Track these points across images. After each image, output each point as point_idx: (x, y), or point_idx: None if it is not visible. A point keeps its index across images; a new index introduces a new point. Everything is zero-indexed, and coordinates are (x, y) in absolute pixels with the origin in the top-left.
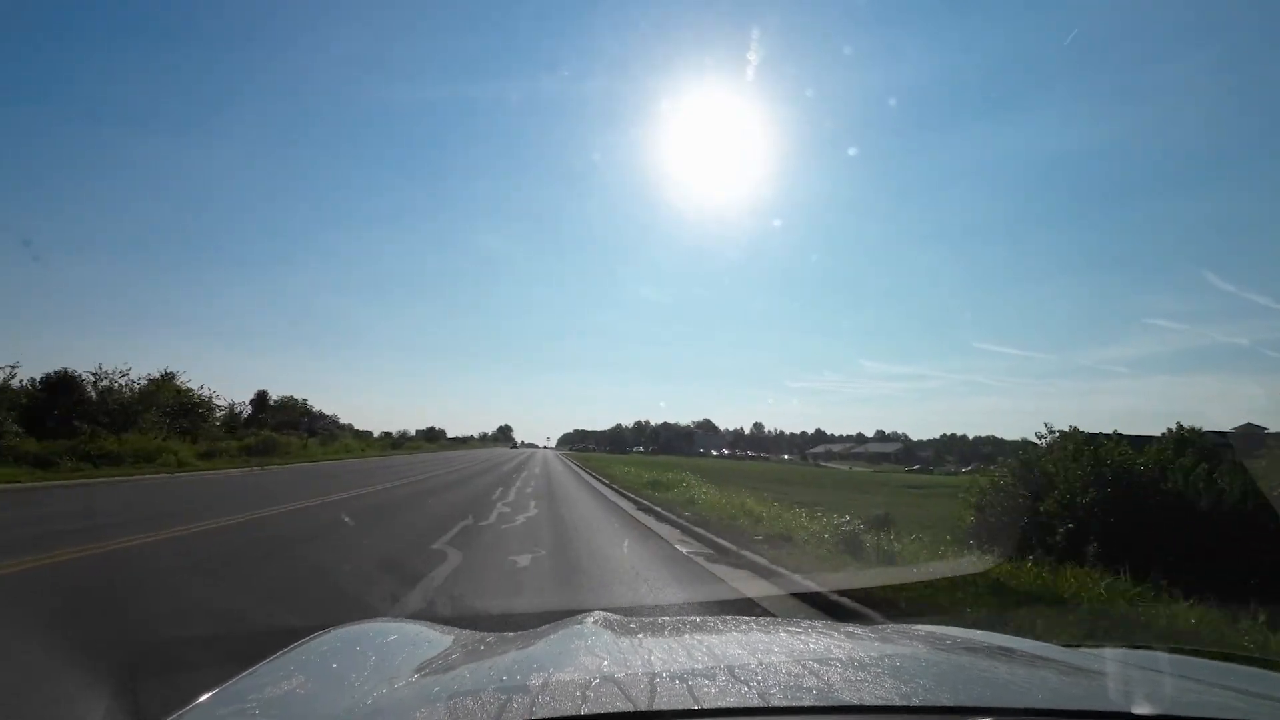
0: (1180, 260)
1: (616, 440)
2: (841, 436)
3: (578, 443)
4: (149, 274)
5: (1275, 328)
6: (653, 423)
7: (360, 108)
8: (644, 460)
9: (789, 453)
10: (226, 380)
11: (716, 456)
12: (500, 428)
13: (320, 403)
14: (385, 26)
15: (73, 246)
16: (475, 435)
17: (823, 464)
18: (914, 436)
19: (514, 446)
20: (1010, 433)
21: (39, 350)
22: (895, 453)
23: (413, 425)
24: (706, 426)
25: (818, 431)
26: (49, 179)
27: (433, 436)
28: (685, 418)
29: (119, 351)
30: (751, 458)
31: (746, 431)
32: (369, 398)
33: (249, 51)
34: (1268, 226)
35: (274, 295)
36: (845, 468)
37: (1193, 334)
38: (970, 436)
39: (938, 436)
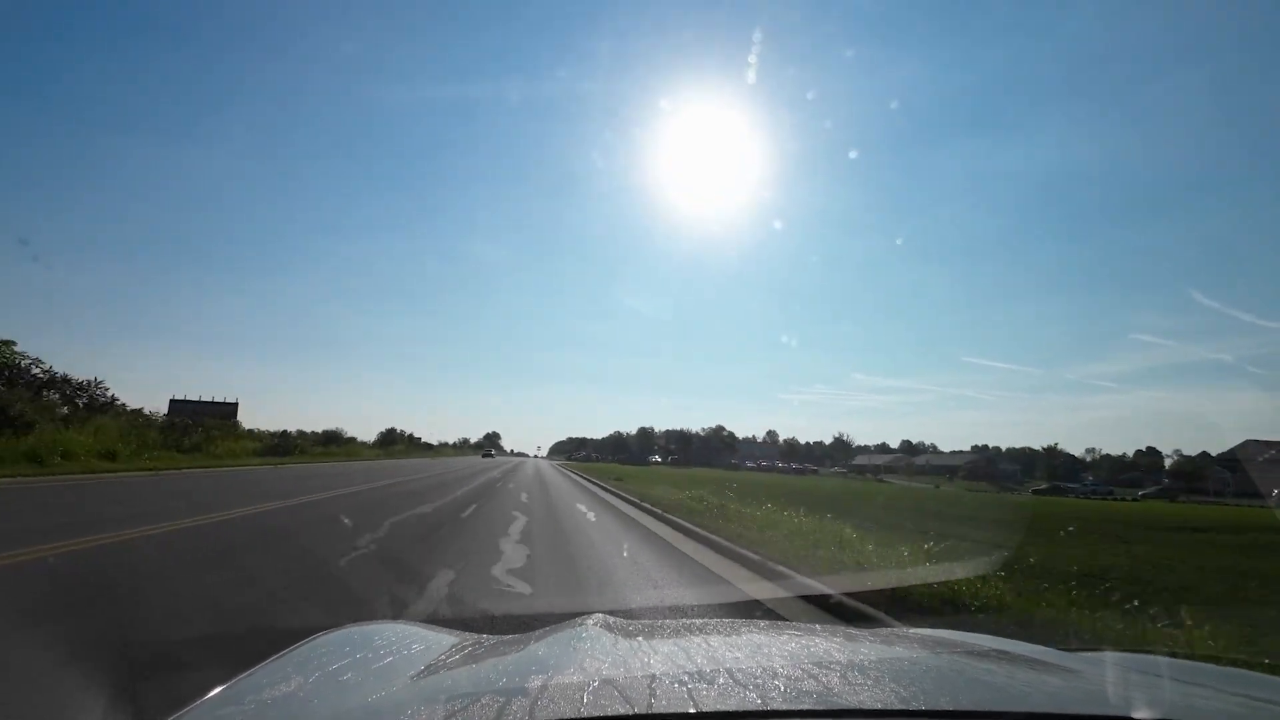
0: (1166, 278)
1: (620, 448)
2: (868, 448)
3: (575, 451)
4: (140, 279)
5: (1258, 344)
6: (657, 429)
7: (352, 113)
8: (715, 476)
9: (827, 465)
10: (216, 384)
11: (753, 469)
12: (487, 435)
13: (317, 408)
14: (379, 31)
15: (63, 250)
16: (452, 442)
17: (884, 479)
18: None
19: (487, 455)
20: (1005, 443)
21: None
22: (970, 466)
23: (410, 431)
24: (719, 433)
25: (836, 440)
26: (40, 182)
27: (388, 440)
28: (677, 425)
29: (110, 353)
30: (795, 470)
31: (759, 439)
32: (359, 404)
33: (242, 55)
34: (1249, 245)
35: (265, 300)
36: (930, 486)
37: (1178, 350)
38: (1004, 448)
39: (967, 448)
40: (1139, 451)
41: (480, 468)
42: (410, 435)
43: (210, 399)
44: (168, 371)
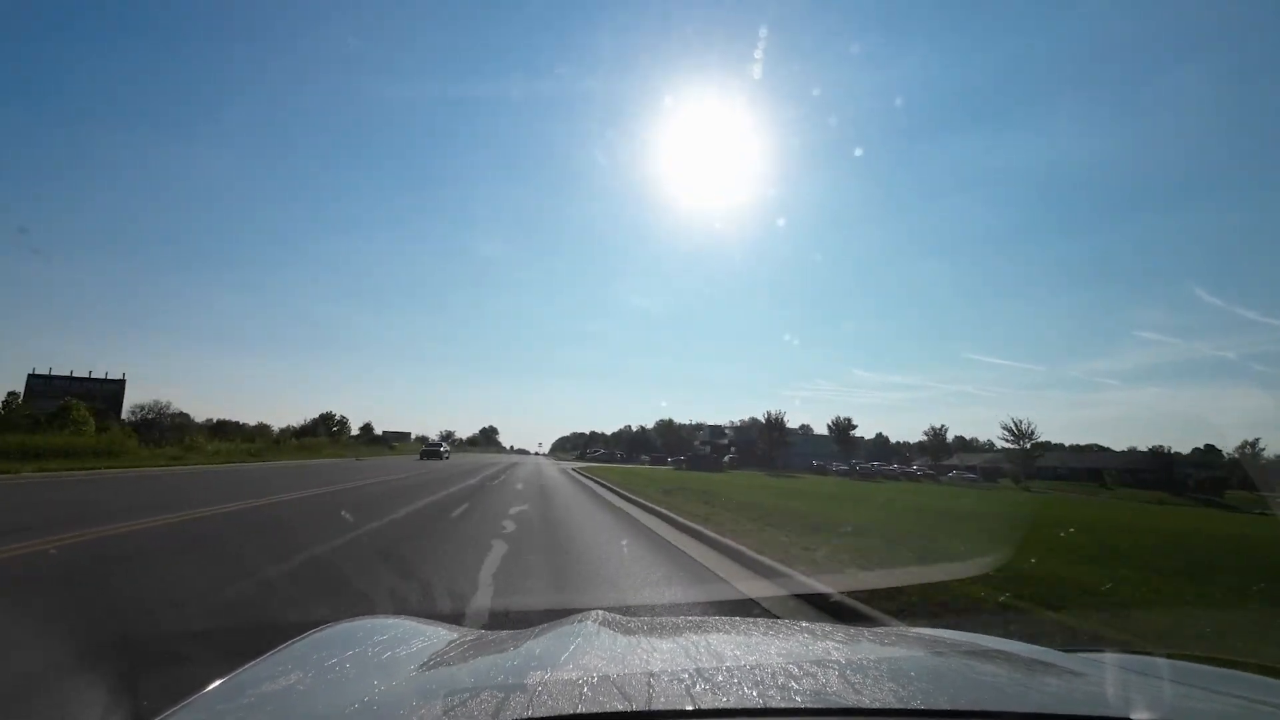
0: (1170, 274)
1: (640, 444)
2: (987, 444)
3: (586, 448)
4: (133, 276)
5: (1262, 342)
6: (676, 422)
7: (351, 109)
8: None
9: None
10: (206, 383)
11: (843, 472)
12: (483, 430)
13: (311, 401)
14: (381, 29)
15: (54, 246)
16: (434, 437)
17: (1029, 488)
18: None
19: (433, 454)
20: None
21: (24, 352)
22: (1130, 468)
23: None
24: (752, 429)
25: (878, 436)
26: (32, 179)
27: (307, 431)
28: (692, 419)
29: (100, 352)
30: (905, 475)
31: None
32: (352, 399)
33: (238, 51)
34: (1254, 242)
35: (260, 297)
36: (1161, 503)
37: (1183, 347)
38: (1077, 444)
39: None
40: (1197, 450)
41: (390, 487)
42: (364, 426)
43: (89, 373)
44: (171, 368)
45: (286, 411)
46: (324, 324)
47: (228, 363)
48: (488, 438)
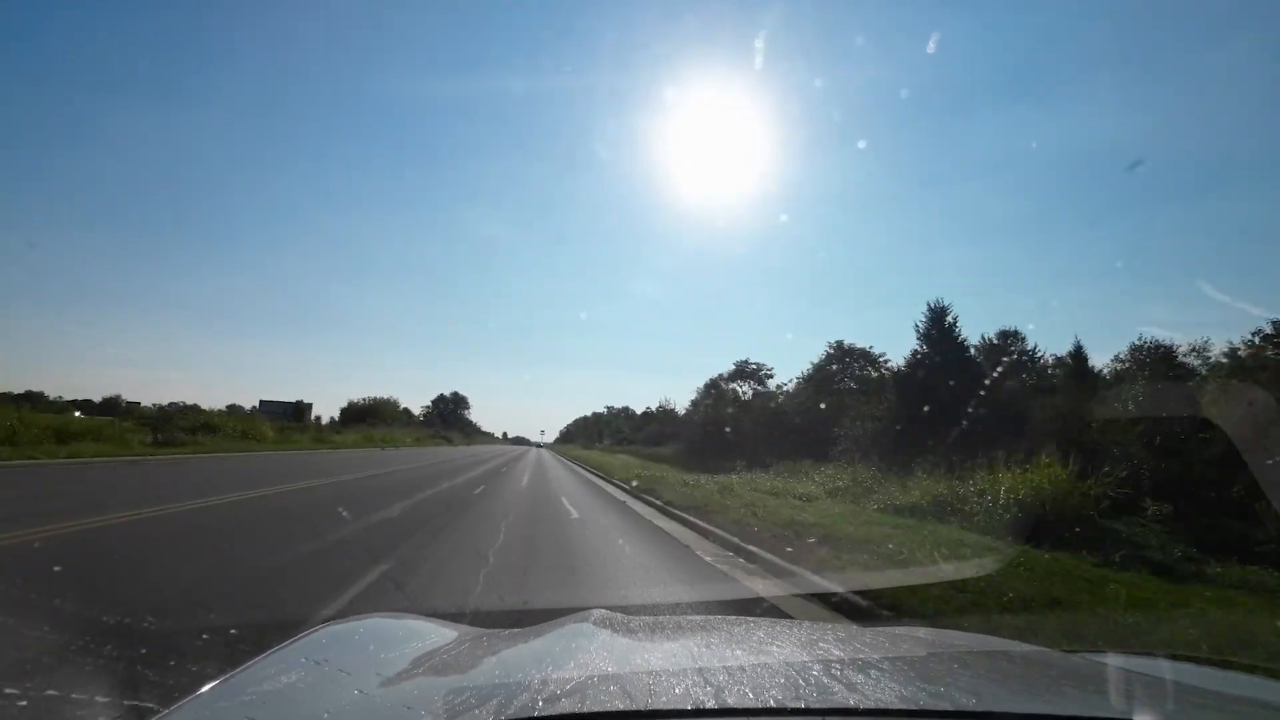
0: (1175, 269)
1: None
2: None
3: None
4: (119, 251)
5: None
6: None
7: (354, 91)
8: None
9: None
10: (203, 373)
11: None
12: (439, 399)
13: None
14: (380, 22)
15: (39, 221)
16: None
17: None
18: None
19: None
20: None
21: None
22: None
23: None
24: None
25: None
26: (14, 148)
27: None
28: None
29: (90, 337)
30: None
31: None
32: (353, 386)
33: (233, 18)
34: (1260, 236)
35: (267, 277)
36: None
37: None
38: None
39: None
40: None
41: None
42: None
43: None
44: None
45: (256, 393)
46: (314, 301)
47: (189, 340)
48: (452, 415)
